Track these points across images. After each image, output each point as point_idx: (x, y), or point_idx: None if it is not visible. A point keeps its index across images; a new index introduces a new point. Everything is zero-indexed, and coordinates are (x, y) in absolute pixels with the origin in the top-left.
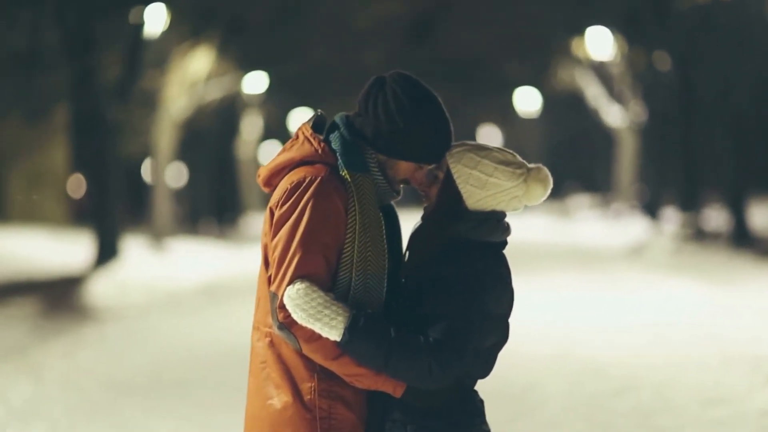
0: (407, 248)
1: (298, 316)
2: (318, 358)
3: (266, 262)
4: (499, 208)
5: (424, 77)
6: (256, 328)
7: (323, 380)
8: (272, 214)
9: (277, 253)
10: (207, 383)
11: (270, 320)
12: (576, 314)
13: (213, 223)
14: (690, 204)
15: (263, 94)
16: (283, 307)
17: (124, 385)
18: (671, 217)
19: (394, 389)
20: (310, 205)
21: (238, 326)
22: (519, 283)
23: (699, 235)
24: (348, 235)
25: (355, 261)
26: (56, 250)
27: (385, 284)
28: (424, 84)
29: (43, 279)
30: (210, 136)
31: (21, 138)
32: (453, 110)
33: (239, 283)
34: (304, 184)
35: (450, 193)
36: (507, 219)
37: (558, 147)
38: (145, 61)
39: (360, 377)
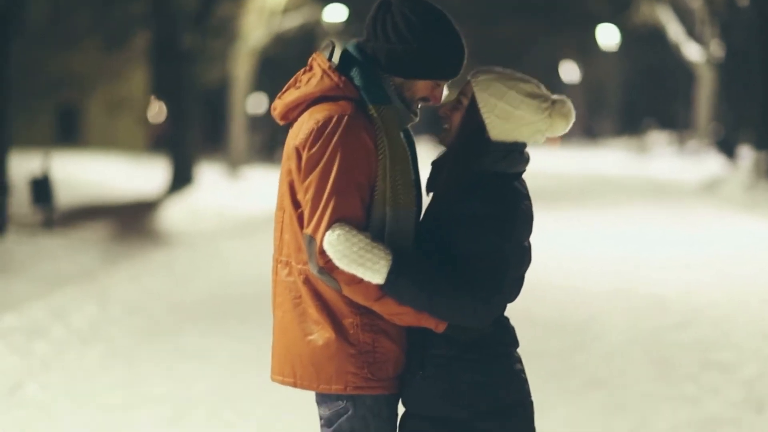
0: (429, 182)
1: (340, 263)
2: (359, 300)
3: (293, 201)
4: (521, 139)
5: (503, 11)
6: (284, 263)
7: (365, 314)
8: (298, 153)
9: (310, 195)
10: (266, 309)
11: (304, 257)
12: (643, 249)
13: None
14: (766, 142)
15: (342, 23)
16: (323, 252)
17: (187, 308)
18: (747, 156)
19: (437, 325)
20: (341, 144)
21: None
22: (590, 216)
23: None
24: (379, 172)
25: (387, 197)
26: (132, 175)
27: (414, 217)
28: (430, 1)
29: (117, 204)
30: (287, 65)
31: (100, 64)
32: (532, 45)
33: None
34: (332, 124)
35: (474, 122)
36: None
37: (636, 83)
38: None
39: (402, 315)
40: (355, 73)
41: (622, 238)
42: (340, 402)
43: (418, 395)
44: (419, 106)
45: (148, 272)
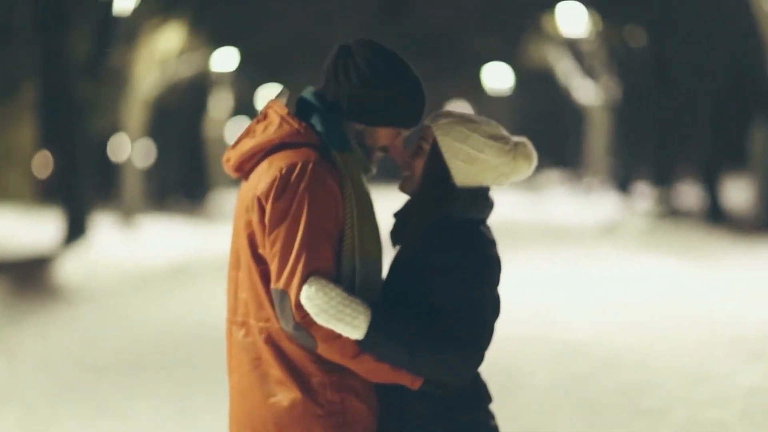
0: (393, 234)
1: (318, 318)
2: (335, 357)
3: (254, 256)
4: (485, 183)
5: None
6: (240, 323)
7: (333, 372)
8: (260, 205)
9: (278, 248)
10: (183, 362)
11: (265, 315)
12: (551, 293)
13: (181, 201)
14: (663, 180)
15: (232, 73)
16: (299, 306)
17: (99, 366)
18: (644, 193)
19: (413, 382)
20: (308, 192)
21: (211, 304)
22: None
23: (672, 212)
24: (347, 220)
25: (355, 246)
26: (23, 228)
27: (381, 267)
28: (389, 48)
29: (11, 259)
30: (179, 114)
31: None
32: (424, 84)
33: (210, 260)
34: (297, 171)
35: (437, 168)
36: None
37: (529, 123)
38: (115, 37)
39: (378, 372)
40: (315, 120)
41: (531, 283)
42: None
43: None
44: (378, 156)
45: (53, 329)
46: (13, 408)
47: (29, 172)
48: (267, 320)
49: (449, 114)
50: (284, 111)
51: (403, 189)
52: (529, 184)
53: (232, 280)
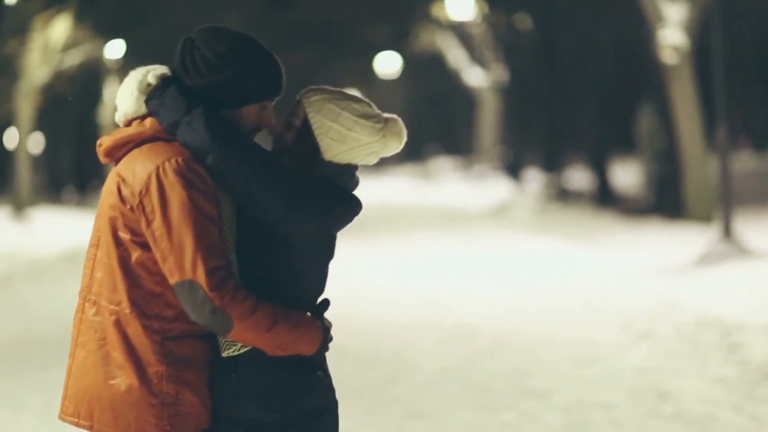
0: None
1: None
2: (250, 335)
3: (115, 238)
4: (354, 161)
5: (284, 40)
6: (92, 301)
7: (170, 365)
8: (131, 193)
9: (170, 243)
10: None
11: (117, 298)
12: (442, 277)
13: (74, 191)
14: (552, 164)
15: (123, 59)
16: (214, 289)
17: None
18: (534, 178)
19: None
20: (187, 187)
21: None
22: (385, 247)
23: (562, 195)
24: (222, 205)
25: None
26: None
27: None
28: (231, 29)
29: None
30: (70, 103)
31: None
32: (312, 73)
33: None
34: (174, 167)
35: (307, 144)
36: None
37: (419, 109)
38: (4, 29)
39: (286, 345)
40: None
41: (421, 268)
42: None
43: (230, 398)
44: (255, 135)
45: None
46: None
47: None
48: (118, 304)
49: (321, 90)
50: None
51: None
52: (422, 171)
53: (90, 258)
